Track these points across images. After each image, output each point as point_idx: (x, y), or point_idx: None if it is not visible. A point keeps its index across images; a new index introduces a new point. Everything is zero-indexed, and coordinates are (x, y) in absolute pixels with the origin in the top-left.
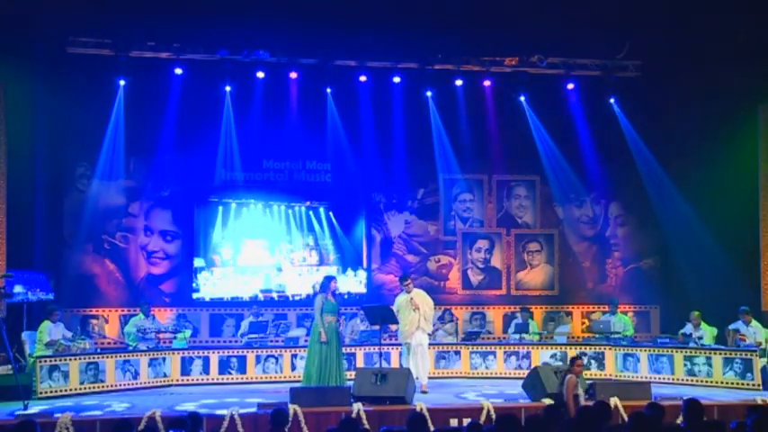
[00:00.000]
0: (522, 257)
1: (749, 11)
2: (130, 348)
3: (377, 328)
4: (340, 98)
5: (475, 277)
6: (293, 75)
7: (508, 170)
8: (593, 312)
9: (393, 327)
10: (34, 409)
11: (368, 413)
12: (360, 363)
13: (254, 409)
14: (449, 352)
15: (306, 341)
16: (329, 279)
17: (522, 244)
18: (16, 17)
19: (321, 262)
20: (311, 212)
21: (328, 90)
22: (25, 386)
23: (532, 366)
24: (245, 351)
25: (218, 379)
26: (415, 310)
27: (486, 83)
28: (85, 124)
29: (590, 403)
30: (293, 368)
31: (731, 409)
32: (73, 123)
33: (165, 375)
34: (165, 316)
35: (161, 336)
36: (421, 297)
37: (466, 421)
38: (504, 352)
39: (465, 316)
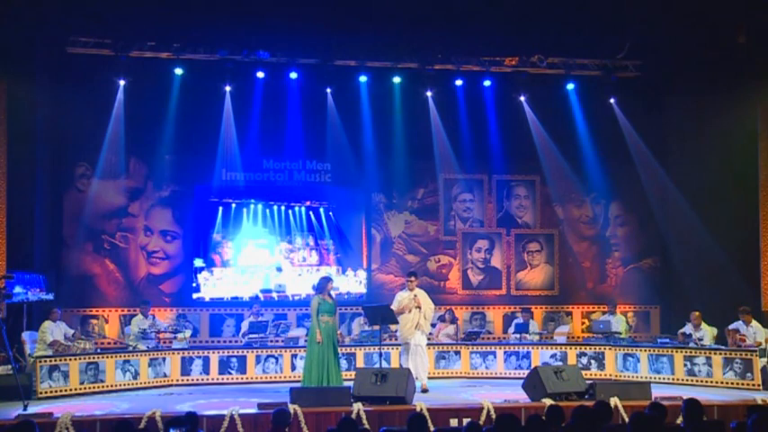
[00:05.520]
0: (522, 257)
1: (749, 11)
2: (130, 348)
3: (377, 328)
4: (340, 98)
5: (475, 277)
6: (293, 75)
7: (508, 170)
8: (593, 312)
9: (393, 327)
10: (34, 409)
11: (368, 413)
12: (360, 363)
13: (254, 410)
14: (449, 352)
15: (305, 341)
16: (326, 280)
17: (522, 244)
18: (16, 17)
19: (321, 262)
20: (311, 212)
21: (328, 90)
22: (25, 386)
23: (532, 366)
24: (245, 351)
25: (218, 379)
26: (417, 308)
27: (486, 83)
28: (85, 124)
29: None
30: (293, 368)
31: (731, 409)
32: (73, 123)
33: (165, 375)
34: (165, 316)
35: (161, 336)
36: (422, 297)
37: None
38: (504, 352)
39: (465, 316)
